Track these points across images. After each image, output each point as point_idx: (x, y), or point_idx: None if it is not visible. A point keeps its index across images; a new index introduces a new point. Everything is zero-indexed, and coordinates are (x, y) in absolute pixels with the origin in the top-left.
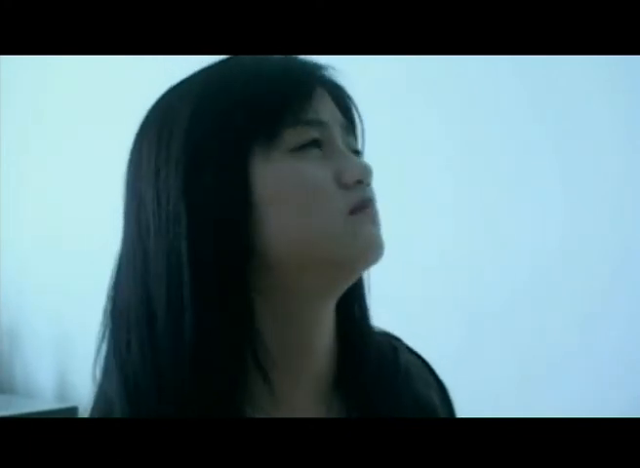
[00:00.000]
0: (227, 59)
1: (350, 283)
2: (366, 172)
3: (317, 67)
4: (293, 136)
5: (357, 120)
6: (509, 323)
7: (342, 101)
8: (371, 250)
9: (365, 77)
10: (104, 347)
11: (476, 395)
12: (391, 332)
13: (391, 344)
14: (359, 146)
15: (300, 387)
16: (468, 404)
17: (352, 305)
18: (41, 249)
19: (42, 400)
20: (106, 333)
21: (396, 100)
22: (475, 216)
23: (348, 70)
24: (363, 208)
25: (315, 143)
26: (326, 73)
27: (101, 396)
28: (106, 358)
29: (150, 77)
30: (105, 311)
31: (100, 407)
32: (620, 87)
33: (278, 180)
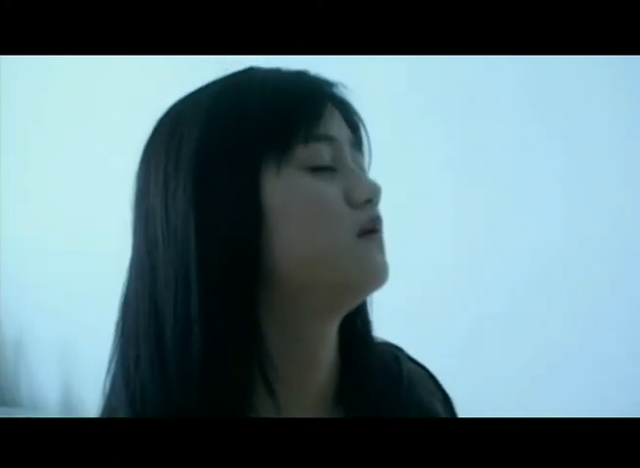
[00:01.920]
0: (240, 72)
1: (355, 304)
2: (375, 190)
3: (328, 84)
4: (304, 152)
5: (364, 137)
6: (510, 323)
7: (351, 119)
8: (376, 276)
9: (365, 77)
10: (115, 361)
11: (477, 395)
12: (392, 342)
13: (393, 354)
14: (366, 163)
15: (304, 400)
16: (469, 404)
17: (355, 318)
18: (43, 256)
19: (47, 412)
20: (117, 348)
21: (396, 101)
22: (475, 217)
23: (348, 70)
24: (371, 231)
25: (328, 168)
26: (336, 90)
27: (108, 409)
28: (114, 372)
29: (150, 77)
30: (117, 327)
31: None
32: (620, 87)
33: (288, 195)
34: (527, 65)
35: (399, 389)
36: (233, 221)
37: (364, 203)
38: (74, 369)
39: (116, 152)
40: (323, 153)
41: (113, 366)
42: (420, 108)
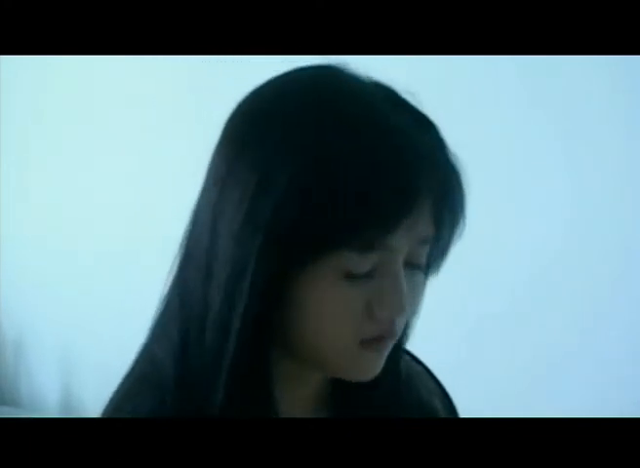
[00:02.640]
0: (344, 98)
1: None
2: (399, 312)
3: (434, 166)
4: (351, 259)
5: (455, 236)
6: (510, 323)
7: (441, 213)
8: (363, 376)
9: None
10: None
11: (476, 395)
12: None
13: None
14: (443, 253)
15: (299, 401)
16: (469, 404)
17: None
18: (45, 259)
19: (47, 412)
20: (174, 288)
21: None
22: (475, 217)
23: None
24: (378, 340)
25: (369, 273)
26: (440, 174)
27: (147, 356)
28: (164, 321)
29: (150, 77)
30: (176, 259)
31: (144, 368)
32: (620, 87)
33: (314, 293)
34: (527, 65)
35: (397, 385)
36: (262, 279)
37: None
38: (74, 369)
39: (116, 152)
40: (369, 262)
41: (166, 302)
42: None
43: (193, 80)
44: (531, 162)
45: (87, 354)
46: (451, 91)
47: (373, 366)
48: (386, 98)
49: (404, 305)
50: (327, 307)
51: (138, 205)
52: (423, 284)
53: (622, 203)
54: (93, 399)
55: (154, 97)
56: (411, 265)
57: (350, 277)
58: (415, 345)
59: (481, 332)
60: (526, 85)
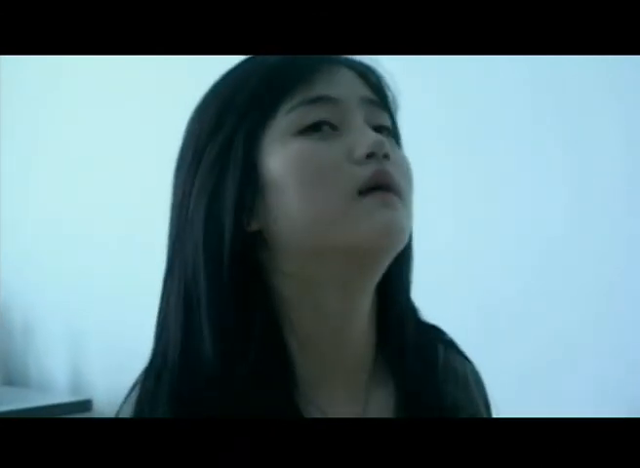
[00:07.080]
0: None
1: (375, 272)
2: (376, 143)
3: (343, 58)
4: (297, 117)
5: (389, 98)
6: (508, 323)
7: (370, 80)
8: (382, 236)
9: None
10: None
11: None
12: (440, 328)
13: (431, 338)
14: (392, 122)
15: (336, 373)
16: None
17: (390, 283)
18: (52, 242)
19: (56, 393)
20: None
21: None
22: (477, 215)
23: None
24: (375, 188)
25: (320, 124)
26: (351, 58)
27: (163, 342)
28: (169, 299)
29: (151, 77)
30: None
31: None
32: (620, 87)
33: (283, 162)
34: (527, 65)
35: (434, 375)
36: (232, 194)
37: (366, 158)
38: (83, 351)
39: (116, 150)
40: (318, 117)
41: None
42: (421, 108)
43: (194, 80)
44: (531, 161)
45: (95, 336)
46: (451, 91)
47: (380, 219)
48: None
49: (375, 137)
50: (303, 163)
51: (142, 192)
52: (402, 153)
53: (622, 205)
54: (101, 380)
55: (153, 96)
56: (377, 128)
57: (304, 131)
58: None
59: (479, 333)
60: (526, 84)
